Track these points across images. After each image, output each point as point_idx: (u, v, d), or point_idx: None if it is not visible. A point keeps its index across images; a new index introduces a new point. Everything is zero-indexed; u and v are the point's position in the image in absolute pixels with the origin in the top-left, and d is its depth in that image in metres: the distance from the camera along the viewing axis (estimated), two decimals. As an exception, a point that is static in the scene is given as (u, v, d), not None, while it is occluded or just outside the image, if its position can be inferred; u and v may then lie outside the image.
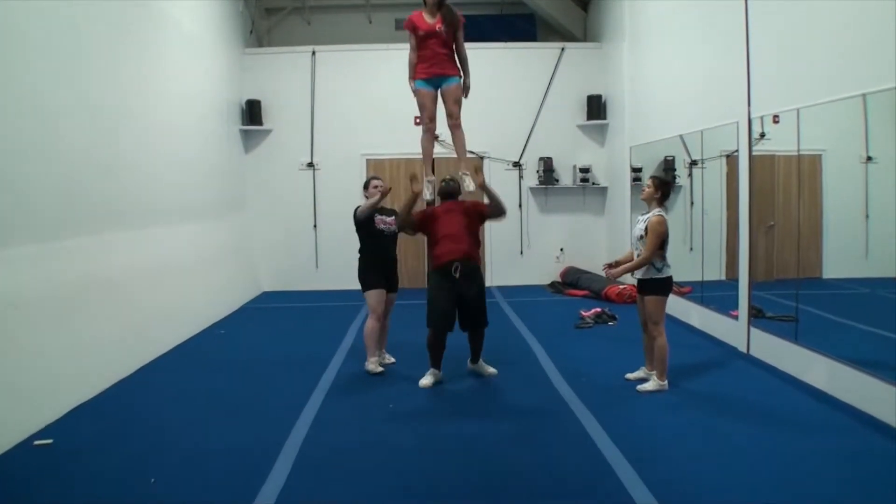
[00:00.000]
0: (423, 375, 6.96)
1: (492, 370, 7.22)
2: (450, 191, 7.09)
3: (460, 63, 6.84)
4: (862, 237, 6.44)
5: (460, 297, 6.77)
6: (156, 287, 8.50)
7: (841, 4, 6.05)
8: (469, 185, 6.84)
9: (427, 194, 7.03)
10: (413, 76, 6.77)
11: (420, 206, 7.48)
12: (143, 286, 8.14)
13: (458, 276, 6.70)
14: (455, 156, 7.13)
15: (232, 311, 11.18)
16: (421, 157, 7.13)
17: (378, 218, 7.27)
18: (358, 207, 7.33)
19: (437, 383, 6.86)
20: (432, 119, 6.91)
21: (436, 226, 6.93)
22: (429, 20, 6.64)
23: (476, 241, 6.98)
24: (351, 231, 7.44)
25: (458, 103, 6.83)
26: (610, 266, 6.85)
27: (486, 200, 7.20)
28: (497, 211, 6.99)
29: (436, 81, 6.75)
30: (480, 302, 6.92)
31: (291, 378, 7.18)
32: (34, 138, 6.18)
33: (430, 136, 7.01)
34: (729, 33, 7.96)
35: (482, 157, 13.37)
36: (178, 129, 9.78)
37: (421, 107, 6.85)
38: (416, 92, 6.81)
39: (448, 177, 7.20)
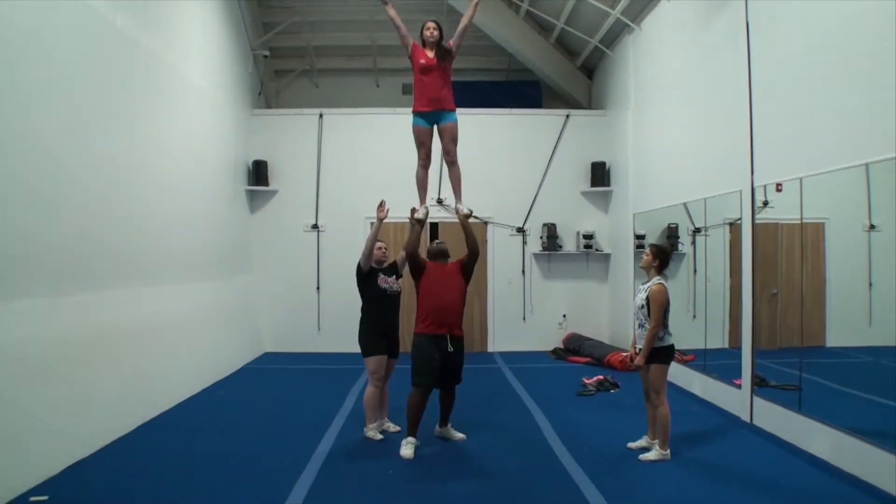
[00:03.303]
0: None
1: (460, 435, 7.20)
2: (440, 251, 7.17)
3: None
4: (865, 305, 6.42)
5: (446, 360, 6.85)
6: (158, 345, 8.48)
7: (844, 75, 6.16)
8: (463, 209, 7.09)
9: (421, 214, 7.15)
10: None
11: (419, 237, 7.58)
12: (145, 343, 8.12)
13: (451, 349, 6.83)
14: (455, 220, 7.21)
15: (233, 371, 11.11)
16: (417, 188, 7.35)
17: (381, 277, 7.28)
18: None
19: (416, 451, 6.71)
20: (428, 156, 7.18)
21: (428, 283, 6.98)
22: (428, 54, 6.93)
23: (463, 310, 7.09)
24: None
25: (455, 141, 7.06)
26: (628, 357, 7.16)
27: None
28: (473, 249, 7.10)
29: (433, 117, 6.98)
30: (461, 363, 7.04)
31: (290, 442, 7.09)
32: (41, 192, 6.25)
33: (425, 172, 7.25)
34: (733, 102, 8.09)
35: (486, 223, 13.49)
36: (185, 187, 9.87)
37: (419, 144, 7.09)
38: (413, 129, 7.03)
39: (439, 240, 7.27)
